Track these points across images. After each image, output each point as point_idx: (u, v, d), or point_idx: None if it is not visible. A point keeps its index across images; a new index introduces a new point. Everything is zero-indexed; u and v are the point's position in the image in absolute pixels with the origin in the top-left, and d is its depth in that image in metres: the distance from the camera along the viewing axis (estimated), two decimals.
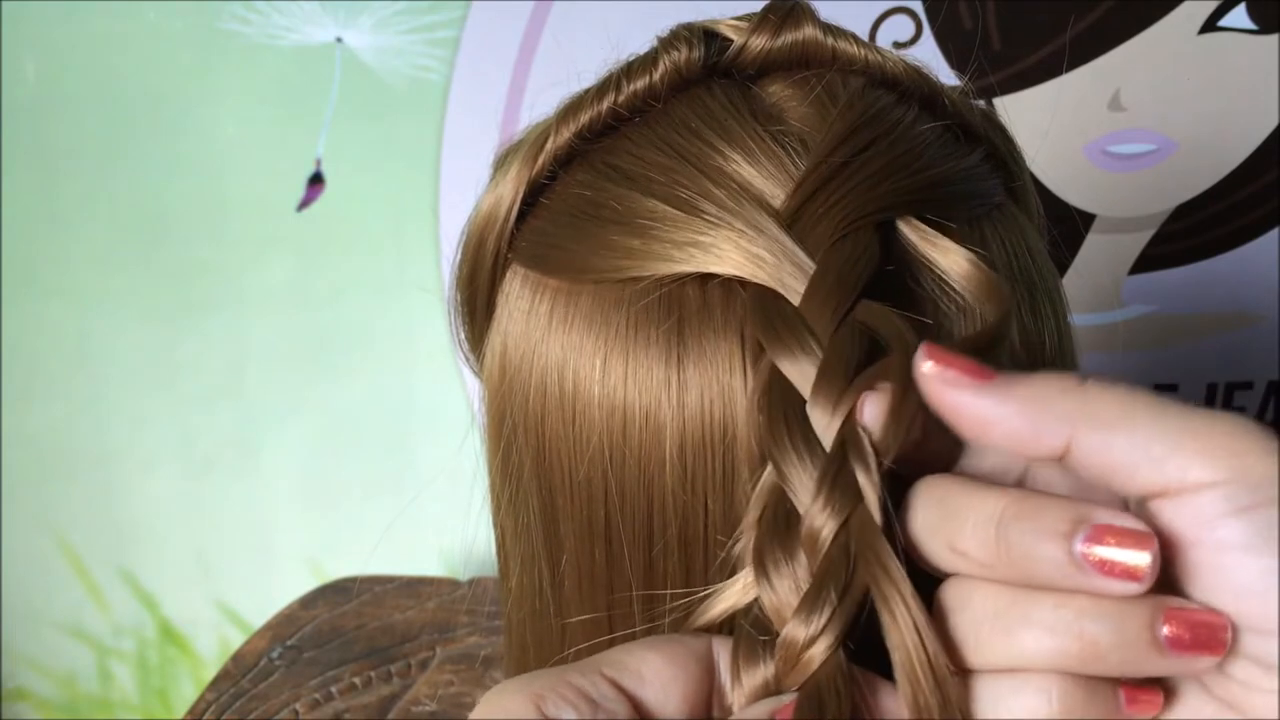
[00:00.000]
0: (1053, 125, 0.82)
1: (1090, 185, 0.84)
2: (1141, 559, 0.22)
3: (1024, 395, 0.24)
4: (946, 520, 0.25)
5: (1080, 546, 0.22)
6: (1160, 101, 0.82)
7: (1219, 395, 0.90)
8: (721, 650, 0.28)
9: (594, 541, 0.33)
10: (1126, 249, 0.87)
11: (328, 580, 0.76)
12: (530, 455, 0.34)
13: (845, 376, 0.27)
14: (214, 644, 1.01)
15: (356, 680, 0.64)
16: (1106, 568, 0.22)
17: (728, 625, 0.29)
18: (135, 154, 0.86)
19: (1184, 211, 0.86)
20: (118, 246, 0.89)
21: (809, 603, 0.25)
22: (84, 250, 0.89)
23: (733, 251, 0.30)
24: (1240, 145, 0.84)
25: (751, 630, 0.26)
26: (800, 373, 0.27)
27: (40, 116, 0.85)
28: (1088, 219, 0.86)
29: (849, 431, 0.26)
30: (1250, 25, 0.80)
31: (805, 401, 0.27)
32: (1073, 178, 0.84)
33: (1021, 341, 0.32)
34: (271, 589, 0.97)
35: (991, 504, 0.24)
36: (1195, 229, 0.87)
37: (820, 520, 0.26)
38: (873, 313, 0.28)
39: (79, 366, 0.92)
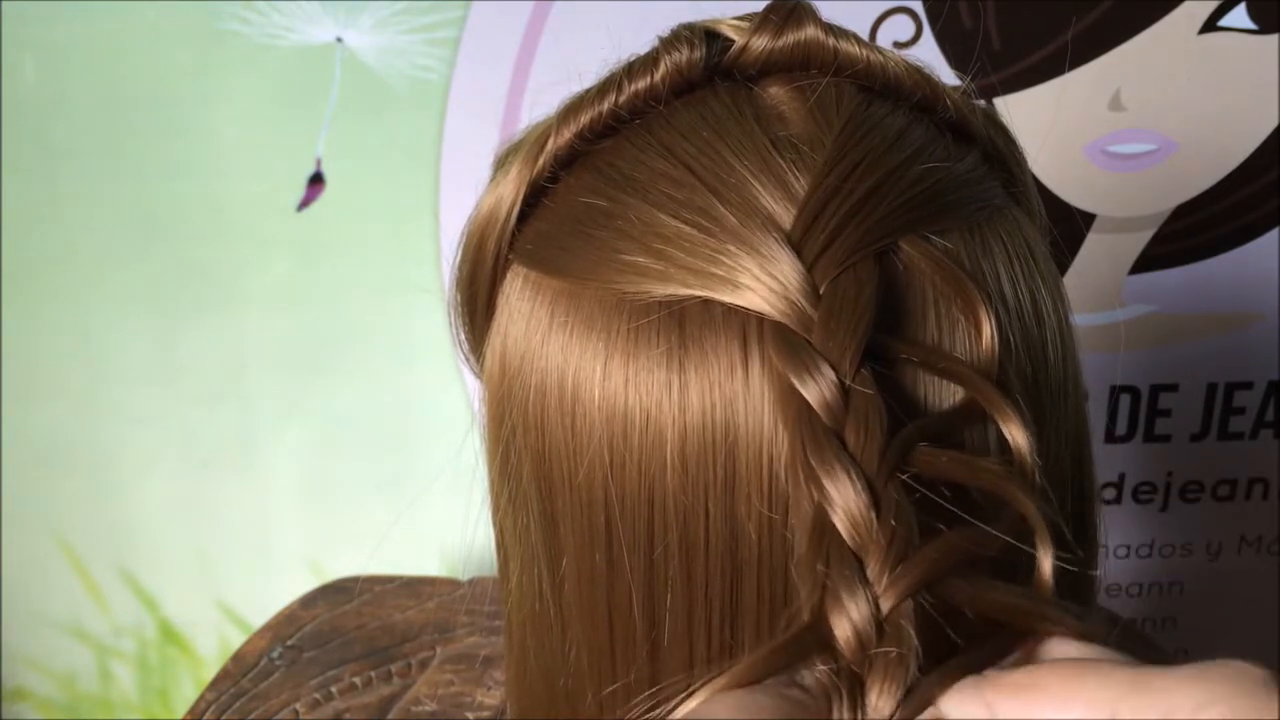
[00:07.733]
0: (1053, 125, 0.82)
1: (1090, 185, 0.84)
2: None
3: None
4: None
5: None
6: (1160, 101, 0.82)
7: (1219, 395, 0.90)
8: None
9: (594, 544, 0.33)
10: (1126, 249, 0.87)
11: (328, 580, 0.76)
12: (530, 457, 0.34)
13: (879, 425, 0.27)
14: (214, 644, 1.01)
15: (356, 680, 0.63)
16: None
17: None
18: (135, 154, 0.86)
19: (1184, 211, 0.86)
20: (118, 246, 0.89)
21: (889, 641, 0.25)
22: (84, 250, 0.89)
23: (750, 285, 0.30)
24: (1240, 145, 0.84)
25: (850, 668, 0.25)
26: (833, 413, 0.28)
27: (40, 116, 0.85)
28: (1088, 219, 0.86)
29: (895, 482, 0.27)
30: (1250, 25, 0.80)
31: (845, 443, 0.27)
32: (1073, 178, 0.84)
33: (1024, 344, 0.32)
34: (271, 589, 0.97)
35: None
36: (1195, 229, 0.86)
37: (887, 580, 0.25)
38: (895, 346, 0.29)
39: (79, 366, 0.92)
